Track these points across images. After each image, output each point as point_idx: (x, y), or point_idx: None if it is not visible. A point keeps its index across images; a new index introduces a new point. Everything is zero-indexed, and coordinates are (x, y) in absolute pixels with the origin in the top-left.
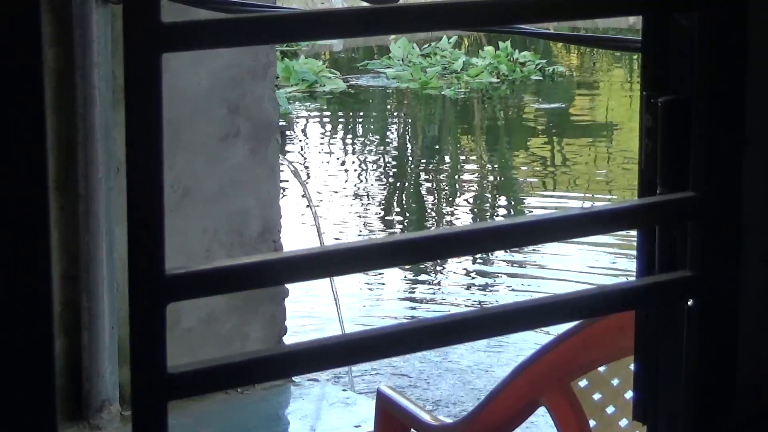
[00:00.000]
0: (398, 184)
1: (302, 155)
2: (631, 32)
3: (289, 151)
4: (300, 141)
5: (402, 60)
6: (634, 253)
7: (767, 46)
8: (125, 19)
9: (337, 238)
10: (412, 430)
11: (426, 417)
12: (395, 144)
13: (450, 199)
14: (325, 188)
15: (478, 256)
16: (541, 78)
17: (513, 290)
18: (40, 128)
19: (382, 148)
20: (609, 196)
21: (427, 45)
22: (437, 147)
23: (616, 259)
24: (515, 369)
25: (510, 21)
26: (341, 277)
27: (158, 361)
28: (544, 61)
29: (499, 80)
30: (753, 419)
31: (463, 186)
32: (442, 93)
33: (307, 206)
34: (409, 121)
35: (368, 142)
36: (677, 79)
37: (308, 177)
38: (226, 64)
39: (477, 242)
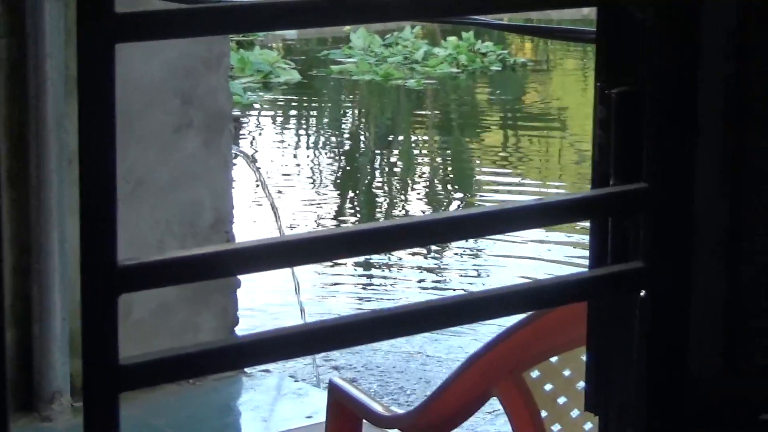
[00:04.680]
0: (352, 174)
1: (254, 147)
2: (584, 23)
3: (242, 137)
4: (253, 132)
5: (364, 50)
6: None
7: (720, 40)
8: (78, 9)
9: (291, 226)
10: (363, 420)
11: (378, 407)
12: (351, 134)
13: (404, 189)
14: (278, 179)
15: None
16: (501, 68)
17: (464, 280)
18: None
19: (338, 139)
20: (563, 185)
21: (389, 35)
22: (391, 138)
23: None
24: (467, 360)
25: (466, 12)
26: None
27: (110, 352)
28: (506, 51)
29: (459, 70)
30: (704, 412)
31: (418, 176)
32: (406, 84)
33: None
34: (363, 111)
35: (324, 134)
36: (631, 71)
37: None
38: (180, 54)
39: (431, 233)
